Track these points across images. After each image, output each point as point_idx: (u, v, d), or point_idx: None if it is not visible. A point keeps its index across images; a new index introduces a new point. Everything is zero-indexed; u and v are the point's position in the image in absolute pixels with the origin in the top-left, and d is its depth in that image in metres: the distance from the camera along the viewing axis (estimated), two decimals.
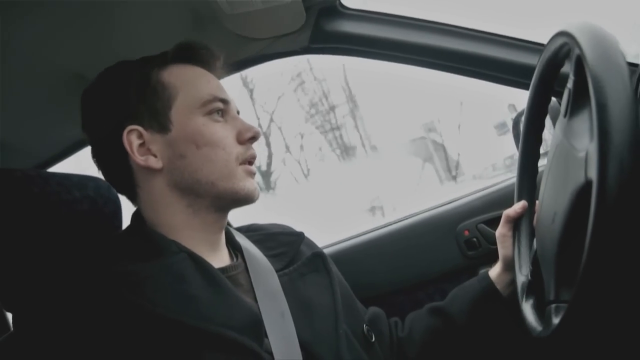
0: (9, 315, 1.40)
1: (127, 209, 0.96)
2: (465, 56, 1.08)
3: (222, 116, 0.81)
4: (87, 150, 1.27)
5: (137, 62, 0.82)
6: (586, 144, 0.54)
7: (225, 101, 0.82)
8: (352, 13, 1.13)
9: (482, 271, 0.98)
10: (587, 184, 0.52)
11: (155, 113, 0.78)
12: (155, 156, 0.78)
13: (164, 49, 0.84)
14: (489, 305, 0.92)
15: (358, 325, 0.88)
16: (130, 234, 0.80)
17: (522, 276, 0.82)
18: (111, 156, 0.80)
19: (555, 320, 0.64)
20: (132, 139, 0.77)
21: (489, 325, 0.92)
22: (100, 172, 0.84)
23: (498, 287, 0.92)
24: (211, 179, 0.77)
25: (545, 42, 0.75)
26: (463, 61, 1.08)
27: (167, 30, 0.84)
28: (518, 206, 0.89)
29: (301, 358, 0.73)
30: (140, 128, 0.78)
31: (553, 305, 0.66)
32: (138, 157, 0.77)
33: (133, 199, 0.83)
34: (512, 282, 0.88)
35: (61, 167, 1.30)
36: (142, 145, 0.78)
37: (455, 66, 1.10)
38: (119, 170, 0.80)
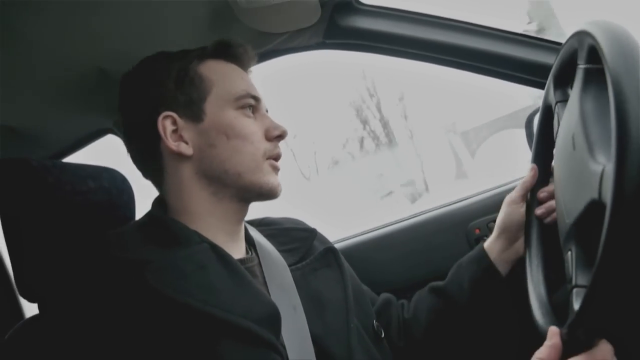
0: (24, 303, 1.43)
1: (140, 200, 0.97)
2: (480, 54, 1.07)
3: (253, 113, 0.85)
4: (101, 142, 1.30)
5: (177, 54, 0.85)
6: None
7: (256, 98, 0.85)
8: (367, 9, 1.13)
9: (478, 246, 0.94)
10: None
11: (190, 102, 0.81)
12: (186, 143, 0.80)
13: (180, 43, 0.86)
14: (488, 285, 0.90)
15: (368, 321, 0.89)
16: (151, 221, 0.81)
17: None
18: (144, 140, 0.83)
19: None
20: (167, 124, 0.80)
21: (489, 304, 0.90)
22: (129, 155, 0.87)
23: (492, 257, 0.89)
24: (238, 170, 0.80)
25: (562, 41, 0.74)
26: (478, 59, 1.08)
27: (183, 24, 0.84)
28: (531, 173, 0.85)
29: (313, 352, 0.74)
30: (175, 115, 0.81)
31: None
32: (171, 142, 0.80)
33: (159, 184, 0.85)
34: (506, 248, 0.88)
35: (76, 158, 1.32)
36: (175, 131, 0.81)
37: (470, 64, 1.09)
38: (150, 155, 0.83)
